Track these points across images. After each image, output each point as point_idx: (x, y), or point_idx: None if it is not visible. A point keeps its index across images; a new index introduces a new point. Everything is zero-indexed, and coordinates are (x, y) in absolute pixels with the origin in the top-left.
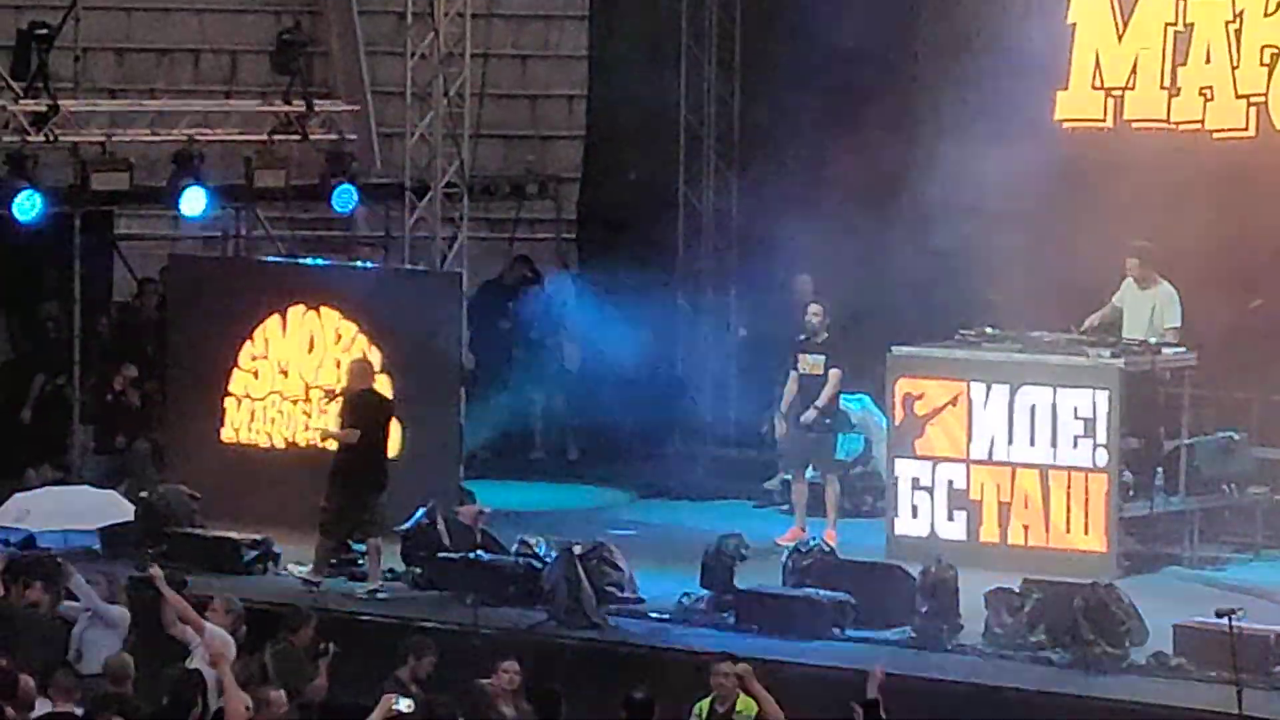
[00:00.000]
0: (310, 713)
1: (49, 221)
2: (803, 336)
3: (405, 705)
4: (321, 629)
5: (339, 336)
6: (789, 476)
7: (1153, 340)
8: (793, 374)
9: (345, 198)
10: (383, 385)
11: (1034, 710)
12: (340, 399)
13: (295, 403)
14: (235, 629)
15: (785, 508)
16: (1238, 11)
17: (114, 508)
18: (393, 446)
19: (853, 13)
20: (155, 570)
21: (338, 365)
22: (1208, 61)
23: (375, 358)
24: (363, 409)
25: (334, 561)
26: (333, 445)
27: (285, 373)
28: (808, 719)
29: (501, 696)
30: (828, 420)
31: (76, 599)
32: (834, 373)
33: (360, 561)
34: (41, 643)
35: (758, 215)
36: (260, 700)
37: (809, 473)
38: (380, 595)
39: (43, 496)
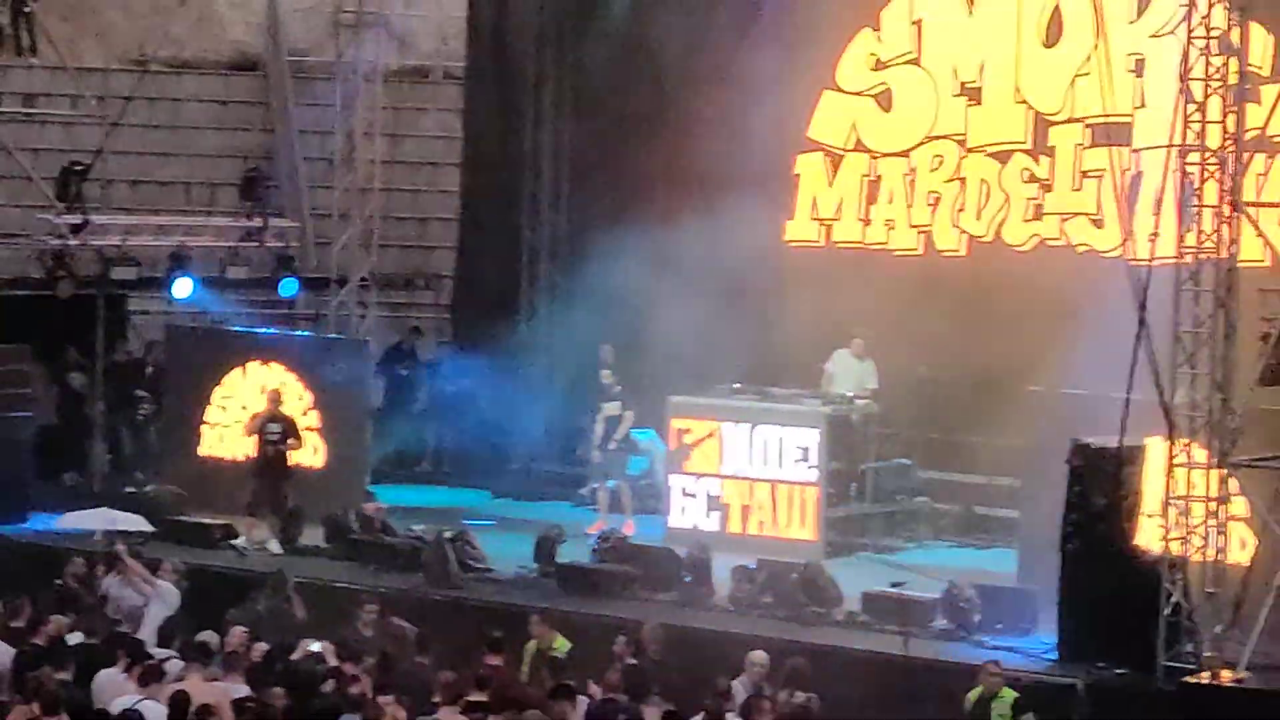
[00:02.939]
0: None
1: (80, 301)
2: (604, 389)
3: (317, 646)
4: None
5: (283, 384)
6: (595, 485)
7: (854, 394)
8: (598, 414)
9: (290, 287)
10: (313, 418)
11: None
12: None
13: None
14: (179, 584)
15: (593, 507)
16: (911, 167)
17: (134, 521)
18: (318, 459)
19: (644, 169)
20: (120, 546)
21: (272, 399)
22: (890, 202)
23: (308, 399)
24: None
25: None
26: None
27: (245, 408)
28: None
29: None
30: (624, 447)
31: None
32: (628, 414)
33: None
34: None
35: (573, 305)
36: None
37: (610, 483)
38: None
39: (92, 513)
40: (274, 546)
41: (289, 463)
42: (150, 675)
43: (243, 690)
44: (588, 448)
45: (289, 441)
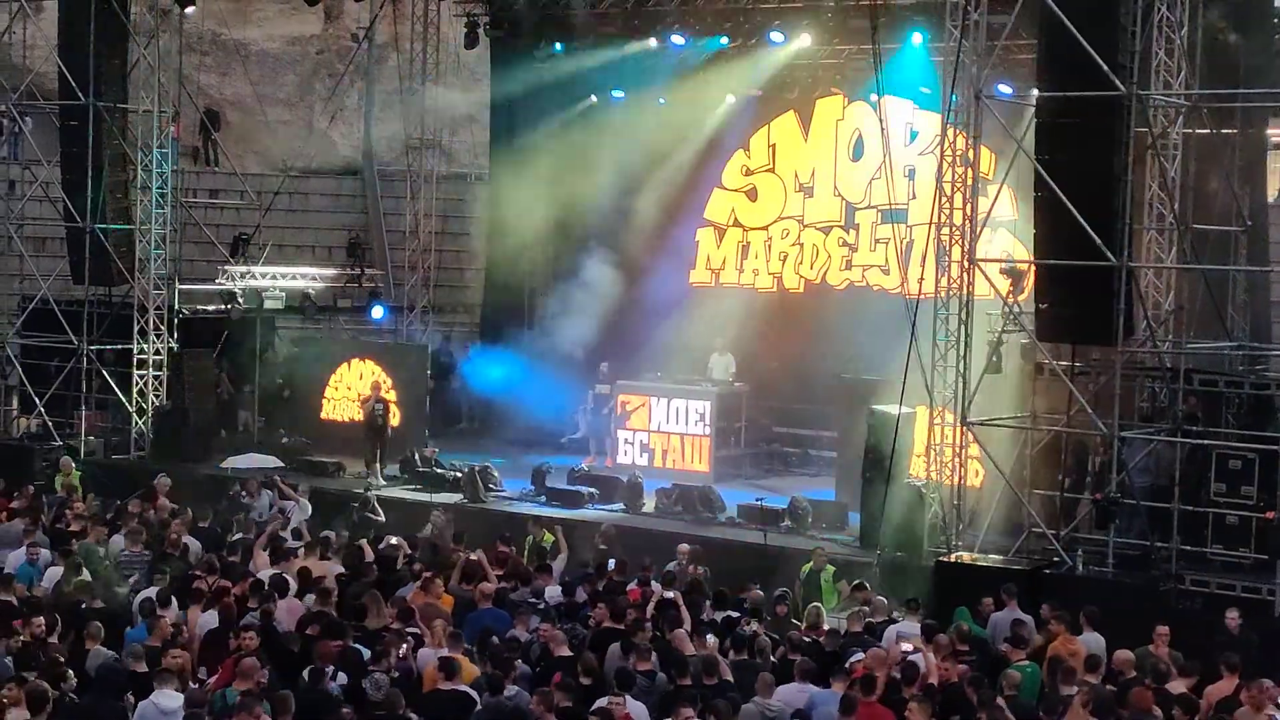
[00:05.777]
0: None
1: (247, 322)
2: (598, 378)
3: (395, 540)
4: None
5: (374, 373)
6: (576, 436)
7: (724, 378)
8: (590, 393)
9: (378, 312)
10: (392, 395)
11: (673, 542)
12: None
13: (353, 403)
14: (308, 497)
15: (571, 450)
16: (769, 236)
17: (273, 459)
18: (396, 420)
19: (604, 239)
20: (274, 476)
21: (374, 387)
22: (755, 258)
23: (390, 382)
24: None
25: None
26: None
27: (350, 388)
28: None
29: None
30: (605, 414)
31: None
32: (609, 393)
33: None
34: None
35: (557, 324)
36: None
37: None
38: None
39: (246, 456)
40: (383, 480)
41: (388, 427)
42: (283, 556)
43: (340, 569)
44: (579, 413)
45: (387, 416)
